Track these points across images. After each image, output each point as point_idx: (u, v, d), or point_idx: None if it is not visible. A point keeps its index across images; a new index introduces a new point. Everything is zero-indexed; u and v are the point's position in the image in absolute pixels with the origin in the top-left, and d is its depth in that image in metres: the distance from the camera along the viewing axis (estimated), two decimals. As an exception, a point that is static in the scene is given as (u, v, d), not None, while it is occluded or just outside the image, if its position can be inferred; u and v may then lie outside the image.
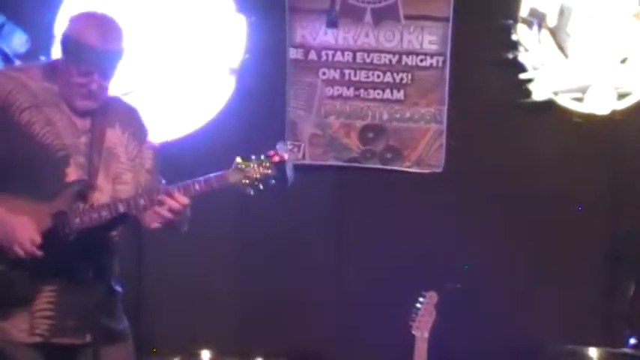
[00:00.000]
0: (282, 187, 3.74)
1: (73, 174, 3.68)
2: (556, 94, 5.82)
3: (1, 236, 3.56)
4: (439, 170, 5.91)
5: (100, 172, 3.73)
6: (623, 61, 5.80)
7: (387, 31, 5.93)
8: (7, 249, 3.55)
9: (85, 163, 3.71)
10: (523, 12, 5.82)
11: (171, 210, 3.64)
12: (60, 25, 5.53)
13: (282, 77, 5.93)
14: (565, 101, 5.82)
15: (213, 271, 5.79)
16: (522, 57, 5.82)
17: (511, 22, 5.83)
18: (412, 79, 5.94)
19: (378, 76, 5.96)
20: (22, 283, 3.60)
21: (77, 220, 3.63)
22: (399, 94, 5.95)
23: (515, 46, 5.83)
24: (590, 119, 5.79)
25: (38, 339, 3.63)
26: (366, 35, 5.95)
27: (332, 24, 5.85)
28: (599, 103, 5.78)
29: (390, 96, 5.96)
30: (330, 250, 5.85)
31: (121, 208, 3.66)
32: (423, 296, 4.98)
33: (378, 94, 5.96)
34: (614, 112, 5.78)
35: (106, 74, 3.70)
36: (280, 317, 5.70)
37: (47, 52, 5.77)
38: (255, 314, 5.76)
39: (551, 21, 5.82)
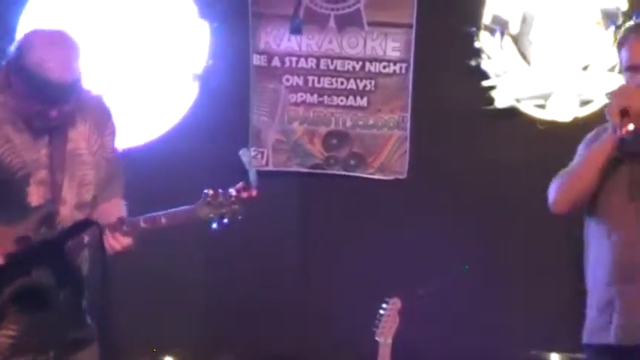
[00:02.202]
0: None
1: (34, 193, 3.58)
2: (519, 101, 5.85)
3: None
4: (403, 177, 5.92)
5: (64, 184, 3.63)
6: (585, 68, 5.83)
7: (351, 37, 5.94)
8: None
9: (47, 177, 3.60)
10: (486, 19, 5.85)
11: (112, 247, 3.59)
12: (16, 36, 5.51)
13: (245, 83, 5.92)
14: (528, 108, 5.85)
15: (179, 278, 5.76)
16: (485, 64, 5.85)
17: (474, 29, 5.85)
18: (375, 86, 5.94)
19: (342, 83, 5.96)
20: None
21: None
22: (363, 101, 5.95)
23: (477, 53, 5.85)
24: (553, 126, 5.82)
25: None
26: (330, 42, 5.95)
27: (296, 30, 5.85)
28: (562, 110, 5.81)
29: (353, 102, 5.96)
30: (295, 256, 5.84)
31: (86, 239, 3.59)
32: (387, 302, 4.98)
33: (342, 100, 5.96)
34: (576, 119, 5.81)
35: (66, 102, 3.54)
36: (246, 323, 5.68)
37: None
38: (220, 320, 5.74)
39: (514, 28, 5.85)
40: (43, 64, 3.44)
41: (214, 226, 3.64)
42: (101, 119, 3.76)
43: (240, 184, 3.66)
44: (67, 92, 3.52)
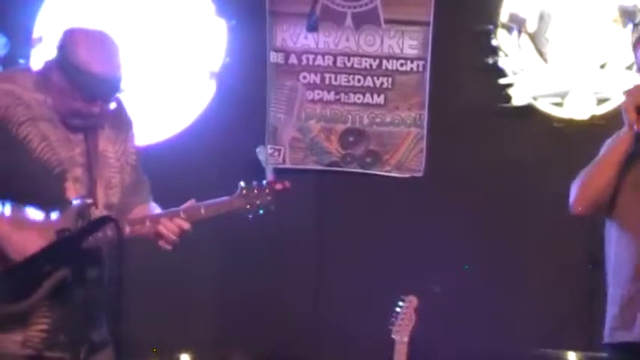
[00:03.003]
0: None
1: (71, 189, 3.65)
2: (535, 99, 5.84)
3: (11, 250, 3.51)
4: (419, 174, 5.92)
5: (97, 183, 3.71)
6: (603, 66, 5.82)
7: (368, 35, 5.94)
8: (14, 262, 3.51)
9: (81, 175, 3.68)
10: (503, 17, 5.84)
11: (173, 233, 3.68)
12: (51, 37, 5.56)
13: (262, 81, 5.93)
14: (544, 106, 5.84)
15: (193, 274, 5.77)
16: (502, 62, 5.84)
17: (491, 27, 5.84)
18: (392, 84, 5.95)
19: (359, 81, 5.96)
20: (14, 297, 3.56)
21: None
22: (380, 99, 5.96)
23: (495, 51, 5.84)
24: (570, 124, 5.81)
25: (30, 351, 3.60)
26: (347, 39, 5.95)
27: (312, 28, 5.86)
28: (579, 109, 5.80)
29: (370, 100, 5.96)
30: (311, 254, 5.85)
31: (127, 229, 3.66)
32: (403, 300, 4.99)
33: (359, 98, 5.96)
34: (593, 117, 5.80)
35: (109, 99, 3.65)
36: (261, 320, 5.69)
37: (26, 56, 5.77)
38: (235, 317, 5.75)
39: (531, 26, 5.84)
40: (89, 60, 3.53)
41: (249, 216, 3.74)
42: (123, 126, 3.84)
43: (272, 176, 3.77)
44: (113, 88, 3.62)
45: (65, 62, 3.57)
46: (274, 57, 5.95)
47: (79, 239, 3.49)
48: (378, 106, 5.96)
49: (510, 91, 5.83)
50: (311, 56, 5.96)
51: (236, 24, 5.87)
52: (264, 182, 3.75)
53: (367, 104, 5.96)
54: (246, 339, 5.65)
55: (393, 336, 4.90)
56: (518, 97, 5.83)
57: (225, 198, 3.73)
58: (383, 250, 5.73)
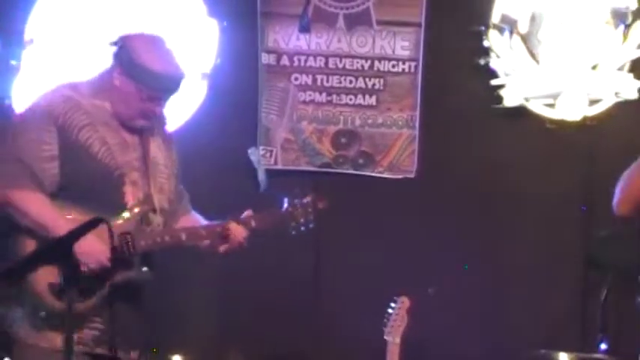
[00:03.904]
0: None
1: (129, 193, 3.78)
2: (527, 100, 5.84)
3: (78, 250, 3.51)
4: (411, 176, 5.92)
5: (151, 188, 3.85)
6: (595, 67, 5.83)
7: (360, 36, 5.94)
8: (79, 262, 3.56)
9: (138, 179, 3.81)
10: (495, 18, 5.84)
11: (231, 242, 3.92)
12: (43, 39, 5.57)
13: (254, 82, 5.92)
14: (537, 107, 5.84)
15: (192, 275, 5.75)
16: (494, 63, 5.84)
17: (483, 28, 5.84)
18: (384, 85, 5.94)
19: (351, 82, 5.96)
20: (80, 296, 3.62)
21: (142, 243, 3.76)
22: (372, 100, 5.95)
23: (486, 52, 5.85)
24: (562, 125, 5.81)
25: (82, 348, 3.70)
26: (339, 40, 5.95)
27: (304, 29, 5.85)
28: (571, 109, 5.80)
29: (362, 101, 5.96)
30: (304, 255, 5.83)
31: (183, 237, 3.85)
32: (395, 301, 4.99)
33: (351, 99, 5.96)
34: (585, 118, 5.81)
35: (172, 95, 3.85)
36: (256, 322, 5.68)
37: (18, 57, 5.75)
38: (232, 317, 5.73)
39: (523, 27, 5.84)
40: (152, 59, 3.74)
41: (293, 232, 4.03)
42: (167, 136, 4.04)
43: (312, 195, 4.06)
44: (176, 84, 3.83)
45: (129, 65, 3.73)
46: (266, 58, 5.94)
47: (71, 241, 3.50)
48: (370, 107, 5.96)
49: (502, 92, 5.83)
50: (303, 57, 5.95)
51: (228, 25, 5.86)
52: (307, 200, 4.02)
53: (359, 105, 5.96)
54: (243, 339, 5.64)
55: (385, 337, 4.90)
56: (510, 98, 5.83)
57: (273, 212, 4.00)
58: (375, 251, 5.72)
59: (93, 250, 3.63)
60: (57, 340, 3.64)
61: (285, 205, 4.02)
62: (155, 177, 3.86)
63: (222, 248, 3.98)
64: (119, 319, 3.76)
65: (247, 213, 3.98)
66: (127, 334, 3.80)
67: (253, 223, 3.94)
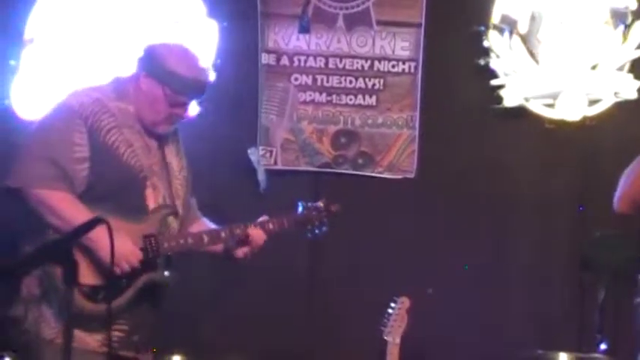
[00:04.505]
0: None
1: (151, 196, 3.82)
2: (527, 100, 5.84)
3: (104, 254, 3.56)
4: (411, 176, 5.92)
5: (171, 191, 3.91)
6: (594, 67, 5.83)
7: (360, 36, 5.94)
8: (110, 263, 3.55)
9: (157, 183, 3.85)
10: (494, 18, 5.85)
11: (251, 245, 3.98)
12: (42, 38, 5.57)
13: (254, 82, 5.93)
14: (536, 107, 5.84)
15: (190, 276, 5.74)
16: (494, 63, 5.84)
17: (482, 28, 5.85)
18: (384, 85, 5.95)
19: (351, 82, 5.96)
20: (107, 299, 3.69)
21: (166, 245, 3.81)
22: (371, 100, 5.95)
23: (486, 52, 5.85)
24: (562, 125, 5.81)
25: (106, 349, 3.72)
26: (339, 41, 5.95)
27: (304, 29, 5.85)
28: (570, 109, 5.80)
29: (362, 101, 5.96)
30: (303, 255, 5.84)
31: (205, 239, 3.90)
32: (395, 301, 4.98)
33: (351, 99, 5.96)
34: (584, 118, 5.81)
35: (199, 99, 3.95)
36: (253, 323, 5.68)
37: (17, 57, 5.75)
38: (228, 320, 5.73)
39: (523, 27, 5.85)
40: (179, 64, 3.82)
41: (308, 235, 4.14)
42: (179, 144, 4.05)
43: (324, 200, 4.18)
44: (203, 88, 3.90)
45: (157, 70, 3.80)
46: (266, 58, 5.95)
47: (70, 241, 3.50)
48: (369, 107, 5.96)
49: (502, 92, 5.84)
50: (303, 57, 5.96)
51: (227, 25, 5.86)
52: (321, 204, 4.14)
53: (359, 105, 5.96)
54: (240, 341, 5.64)
55: (385, 337, 4.90)
56: (510, 99, 5.84)
57: (289, 215, 4.09)
58: (375, 251, 5.72)
59: (126, 250, 3.67)
60: (86, 339, 3.70)
61: (300, 208, 4.12)
62: (171, 181, 3.91)
63: (240, 252, 4.02)
64: (142, 321, 3.83)
65: (264, 217, 4.04)
66: (147, 335, 3.87)
67: (271, 227, 4.02)
